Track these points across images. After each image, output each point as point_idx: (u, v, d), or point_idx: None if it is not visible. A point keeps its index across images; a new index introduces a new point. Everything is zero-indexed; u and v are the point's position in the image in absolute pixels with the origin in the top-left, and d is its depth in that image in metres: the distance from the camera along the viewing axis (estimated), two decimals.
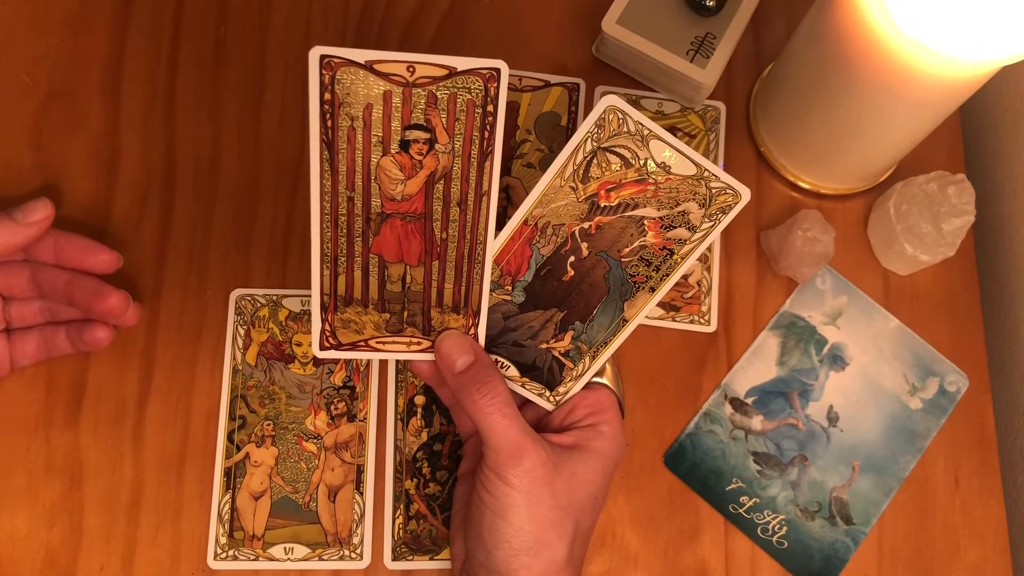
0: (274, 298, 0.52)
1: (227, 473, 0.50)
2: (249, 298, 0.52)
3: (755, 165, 0.57)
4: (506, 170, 0.55)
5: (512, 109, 0.56)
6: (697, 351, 0.54)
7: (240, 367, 0.51)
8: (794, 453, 0.52)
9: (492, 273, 0.44)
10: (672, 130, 0.57)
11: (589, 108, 0.57)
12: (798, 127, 0.53)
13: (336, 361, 0.51)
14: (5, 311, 0.48)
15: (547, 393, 0.45)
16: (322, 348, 0.43)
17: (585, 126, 0.42)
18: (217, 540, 0.49)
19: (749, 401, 0.53)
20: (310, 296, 0.52)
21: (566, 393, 0.45)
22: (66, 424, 0.50)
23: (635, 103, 0.57)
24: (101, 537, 0.49)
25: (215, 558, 0.48)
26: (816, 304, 0.55)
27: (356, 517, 0.50)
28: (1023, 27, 0.40)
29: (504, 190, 0.55)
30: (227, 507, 0.49)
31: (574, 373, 0.45)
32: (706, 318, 0.54)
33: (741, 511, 0.51)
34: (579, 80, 0.57)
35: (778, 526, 0.51)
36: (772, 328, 0.54)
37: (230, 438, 0.50)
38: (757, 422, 0.53)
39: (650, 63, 0.55)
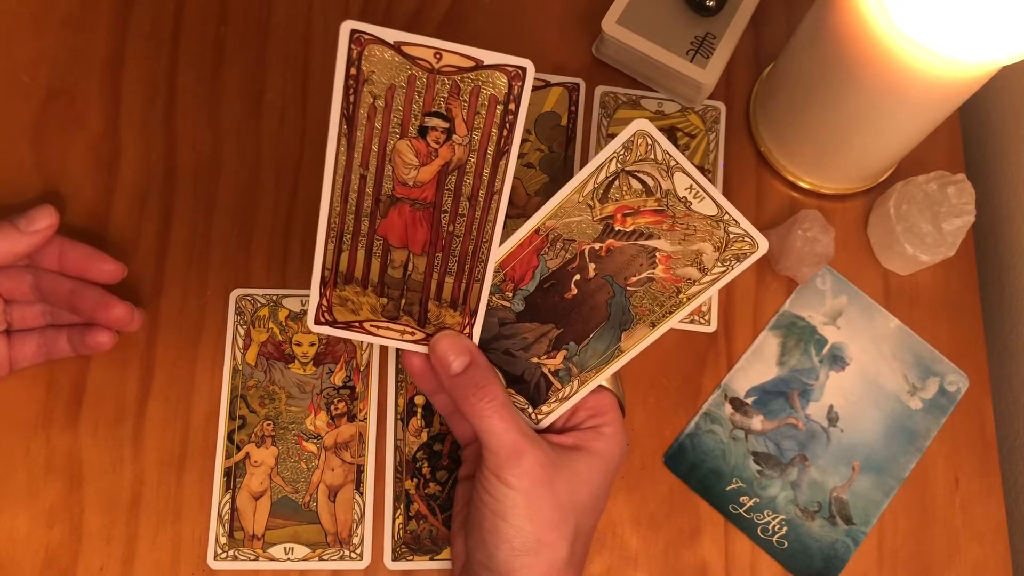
0: (274, 298, 0.52)
1: (227, 473, 0.50)
2: (249, 298, 0.52)
3: (755, 165, 0.57)
4: None
5: None
6: (697, 351, 0.54)
7: (240, 367, 0.51)
8: (794, 453, 0.52)
9: (495, 277, 0.43)
10: (672, 130, 0.57)
11: (589, 108, 0.57)
12: (798, 127, 0.53)
13: (336, 360, 0.51)
14: (6, 313, 0.48)
15: (530, 409, 0.44)
16: (317, 323, 0.43)
17: (612, 146, 0.41)
18: (217, 540, 0.49)
19: (749, 401, 0.53)
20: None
21: (549, 413, 0.44)
22: (66, 424, 0.50)
23: (635, 103, 0.57)
24: (101, 537, 0.49)
25: (215, 558, 0.49)
26: (816, 304, 0.55)
27: (356, 517, 0.50)
28: (1023, 27, 0.40)
29: None
30: (227, 507, 0.49)
31: (560, 395, 0.44)
32: (706, 318, 0.54)
33: (741, 511, 0.51)
34: (579, 80, 0.57)
35: (778, 526, 0.51)
36: (772, 328, 0.54)
37: (230, 438, 0.50)
38: (757, 422, 0.53)
39: (650, 63, 0.55)
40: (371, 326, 0.43)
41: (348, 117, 0.39)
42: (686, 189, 0.42)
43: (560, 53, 0.58)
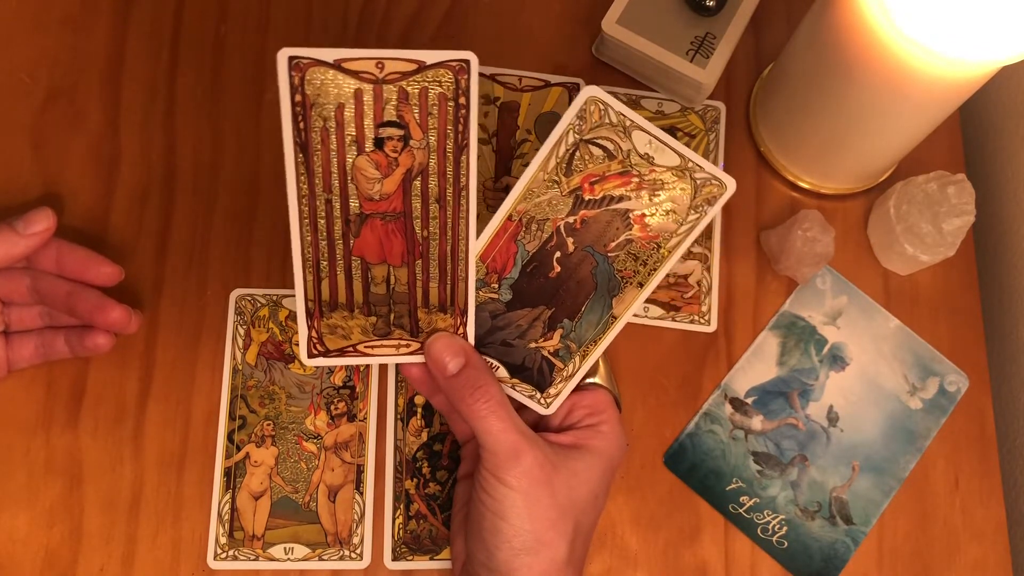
0: (274, 298, 0.52)
1: (227, 473, 0.50)
2: (249, 298, 0.52)
3: (755, 165, 0.57)
4: (506, 170, 0.55)
5: (512, 109, 0.56)
6: (697, 351, 0.54)
7: (240, 367, 0.51)
8: (794, 453, 0.52)
9: (478, 271, 0.43)
10: (672, 130, 0.57)
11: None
12: (798, 127, 0.53)
13: None
14: (4, 315, 0.48)
15: (538, 395, 0.45)
16: (310, 356, 0.43)
17: (566, 118, 0.42)
18: (217, 540, 0.49)
19: (749, 401, 0.53)
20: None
21: (557, 395, 0.45)
22: (66, 424, 0.50)
23: (635, 103, 0.57)
24: (101, 537, 0.49)
25: (215, 558, 0.49)
26: (816, 304, 0.55)
27: (356, 517, 0.50)
28: (1023, 27, 0.40)
29: (504, 190, 0.55)
30: (227, 507, 0.49)
31: (564, 373, 0.44)
32: (706, 318, 0.54)
33: (741, 511, 0.51)
34: (579, 80, 0.57)
35: (778, 526, 0.51)
36: (772, 328, 0.54)
37: (230, 438, 0.50)
38: (757, 422, 0.53)
39: (650, 63, 0.55)
40: (365, 347, 0.43)
41: (302, 144, 0.39)
42: (646, 144, 0.42)
43: (560, 53, 0.58)
